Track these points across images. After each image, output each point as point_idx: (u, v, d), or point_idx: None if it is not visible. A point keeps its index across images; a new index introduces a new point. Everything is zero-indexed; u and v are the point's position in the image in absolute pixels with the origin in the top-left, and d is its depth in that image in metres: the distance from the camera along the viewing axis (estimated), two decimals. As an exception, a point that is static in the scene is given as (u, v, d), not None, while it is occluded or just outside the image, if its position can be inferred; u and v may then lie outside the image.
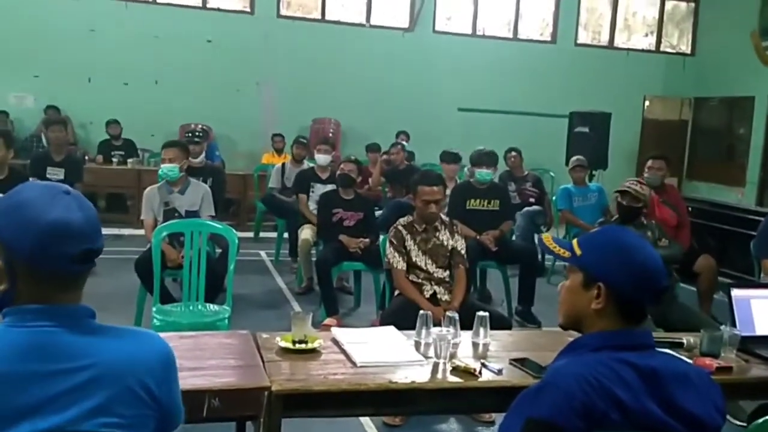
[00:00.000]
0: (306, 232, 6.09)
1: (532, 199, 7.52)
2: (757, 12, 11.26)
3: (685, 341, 2.86)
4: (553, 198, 7.43)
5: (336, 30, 11.16)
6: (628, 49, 12.62)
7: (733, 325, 2.90)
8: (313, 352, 2.58)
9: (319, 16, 11.29)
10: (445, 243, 4.04)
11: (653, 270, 1.59)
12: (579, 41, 12.37)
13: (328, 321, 5.04)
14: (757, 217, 6.25)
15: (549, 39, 12.26)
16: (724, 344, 2.78)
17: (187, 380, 1.49)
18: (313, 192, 6.48)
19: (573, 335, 1.69)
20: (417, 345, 2.75)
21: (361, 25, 11.38)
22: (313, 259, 5.89)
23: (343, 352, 2.61)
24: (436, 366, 2.53)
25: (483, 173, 5.86)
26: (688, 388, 1.53)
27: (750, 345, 2.84)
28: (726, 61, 11.84)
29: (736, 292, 2.99)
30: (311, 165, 7.10)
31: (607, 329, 1.60)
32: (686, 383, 1.53)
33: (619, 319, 1.60)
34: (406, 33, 11.48)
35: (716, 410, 1.55)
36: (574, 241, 1.71)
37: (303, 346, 2.58)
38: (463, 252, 4.06)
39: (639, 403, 1.47)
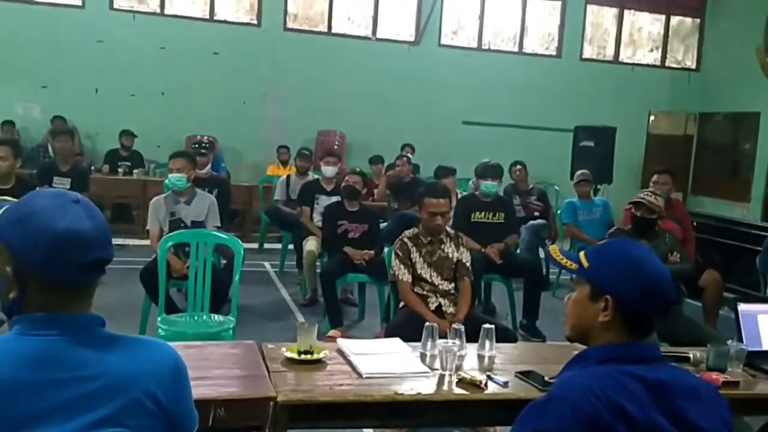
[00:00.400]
0: (311, 244, 6.09)
1: (536, 213, 7.51)
2: (762, 28, 11.29)
3: (691, 355, 2.85)
4: (558, 212, 7.43)
5: (342, 43, 11.22)
6: (634, 64, 12.66)
7: (740, 339, 2.89)
8: (319, 363, 2.58)
9: (326, 30, 11.35)
10: (451, 255, 4.04)
11: (661, 283, 1.59)
12: (584, 56, 12.41)
13: (332, 333, 5.03)
14: (762, 233, 6.23)
15: (554, 53, 12.30)
16: (731, 359, 2.77)
17: (192, 390, 1.49)
18: (317, 204, 6.48)
19: (579, 348, 1.68)
20: (423, 357, 2.75)
21: (367, 38, 11.44)
22: (318, 270, 5.89)
23: (349, 363, 2.61)
24: (441, 378, 2.53)
25: (488, 185, 5.86)
26: (696, 401, 1.52)
27: (756, 360, 2.83)
28: (731, 76, 11.86)
29: (742, 307, 2.99)
30: (316, 177, 7.12)
31: (613, 342, 1.59)
32: (694, 396, 1.52)
33: (626, 332, 1.59)
34: (411, 46, 11.53)
35: (724, 424, 1.54)
36: (581, 253, 1.71)
37: (308, 356, 2.58)
38: (468, 264, 4.06)
39: (646, 415, 1.46)
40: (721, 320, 5.37)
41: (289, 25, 11.18)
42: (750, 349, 2.83)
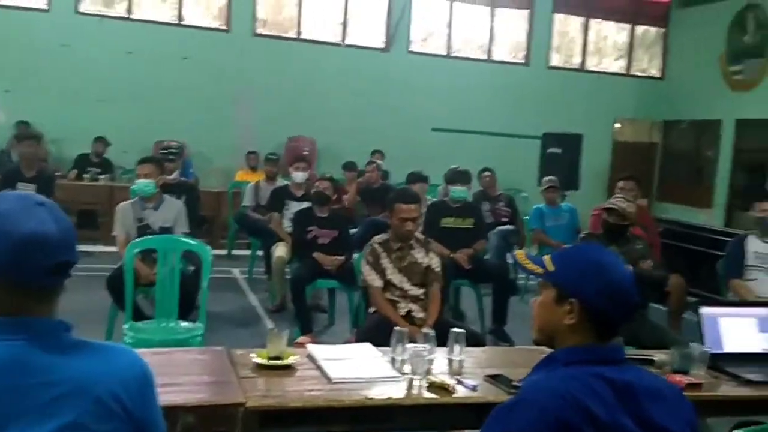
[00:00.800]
0: (280, 250, 6.07)
1: (505, 219, 7.57)
2: (724, 37, 11.55)
3: (656, 358, 2.90)
4: (526, 218, 7.50)
5: (312, 49, 11.21)
6: (600, 72, 12.85)
7: (702, 342, 2.94)
8: (289, 369, 2.57)
9: (295, 35, 11.33)
10: (420, 261, 4.05)
11: (626, 287, 1.61)
12: (551, 64, 12.56)
13: (302, 339, 5.01)
14: (725, 238, 6.36)
15: (522, 61, 12.43)
16: (694, 361, 2.82)
17: (160, 396, 1.47)
18: (287, 209, 6.47)
19: (546, 351, 1.70)
20: (393, 361, 2.75)
21: (336, 44, 11.45)
22: (288, 276, 5.86)
23: (319, 368, 2.60)
24: (411, 382, 2.53)
25: (458, 190, 5.91)
26: (661, 402, 1.54)
27: (719, 362, 2.88)
28: (695, 85, 12.10)
29: (705, 311, 3.04)
30: (285, 182, 7.09)
31: (579, 344, 1.61)
32: (659, 398, 1.55)
33: (592, 335, 1.61)
34: (381, 53, 11.56)
35: (688, 425, 1.57)
36: (547, 257, 1.73)
37: (278, 362, 2.57)
38: (438, 270, 4.07)
39: (612, 417, 1.47)
40: (685, 324, 5.45)
41: (259, 30, 11.15)
42: (713, 351, 2.89)
